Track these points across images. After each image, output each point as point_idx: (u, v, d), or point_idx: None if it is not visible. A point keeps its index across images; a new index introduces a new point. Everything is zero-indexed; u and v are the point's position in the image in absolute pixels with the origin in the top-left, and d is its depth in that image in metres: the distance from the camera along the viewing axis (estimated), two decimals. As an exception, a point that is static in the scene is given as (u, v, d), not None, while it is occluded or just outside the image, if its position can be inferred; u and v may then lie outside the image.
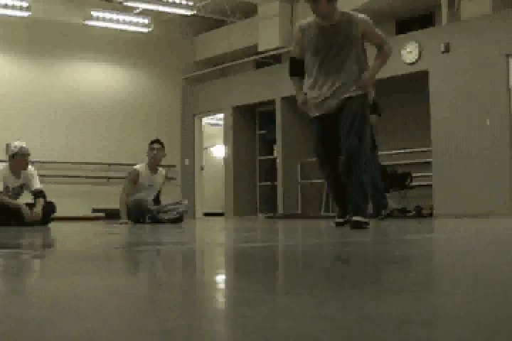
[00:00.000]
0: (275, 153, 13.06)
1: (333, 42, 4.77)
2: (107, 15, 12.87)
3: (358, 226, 4.54)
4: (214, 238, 4.44)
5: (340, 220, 5.13)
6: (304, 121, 10.22)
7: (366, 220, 4.64)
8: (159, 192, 7.93)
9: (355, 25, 4.74)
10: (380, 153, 11.35)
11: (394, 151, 11.42)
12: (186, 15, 13.19)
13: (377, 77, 5.00)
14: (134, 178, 7.66)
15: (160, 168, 7.91)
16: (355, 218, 4.61)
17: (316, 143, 4.97)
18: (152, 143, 7.84)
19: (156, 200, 7.86)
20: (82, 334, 0.89)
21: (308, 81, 4.89)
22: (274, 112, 12.75)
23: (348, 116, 4.69)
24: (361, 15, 4.83)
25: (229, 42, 13.73)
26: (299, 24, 5.02)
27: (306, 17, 11.38)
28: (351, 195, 4.75)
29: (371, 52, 4.93)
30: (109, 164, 13.37)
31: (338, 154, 4.88)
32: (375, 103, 7.66)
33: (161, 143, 7.82)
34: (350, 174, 4.68)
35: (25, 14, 12.01)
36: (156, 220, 7.43)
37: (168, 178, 8.33)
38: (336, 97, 4.77)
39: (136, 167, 7.79)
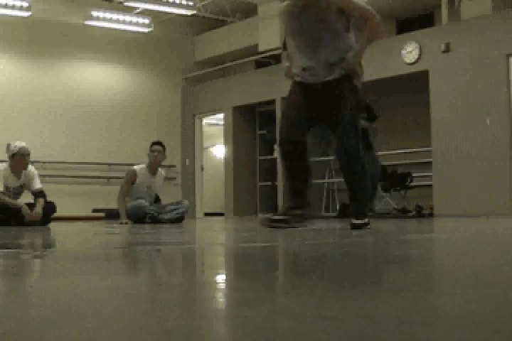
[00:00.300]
0: (275, 153, 13.06)
1: (308, 21, 4.51)
2: (107, 15, 12.87)
3: (358, 228, 4.50)
4: (214, 238, 4.44)
5: (280, 217, 4.61)
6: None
7: (366, 221, 4.59)
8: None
9: (329, 0, 4.44)
10: (380, 153, 11.37)
11: (394, 151, 11.42)
12: (186, 15, 13.19)
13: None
14: (131, 178, 7.66)
15: (159, 169, 7.91)
16: (356, 222, 4.50)
17: (290, 108, 4.78)
18: (153, 144, 7.83)
19: (156, 199, 7.86)
20: (82, 334, 0.89)
21: (294, 65, 4.74)
22: (274, 112, 12.74)
23: (343, 116, 4.52)
24: None
25: (229, 42, 13.73)
26: (282, 4, 4.91)
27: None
28: (352, 197, 4.63)
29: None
30: (109, 164, 13.37)
31: (304, 134, 4.70)
32: (369, 108, 7.63)
33: (163, 145, 7.82)
34: (352, 174, 4.57)
35: (25, 14, 12.01)
36: (156, 220, 7.43)
37: (168, 178, 8.33)
38: (321, 77, 4.61)
39: (135, 167, 7.79)
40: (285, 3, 4.77)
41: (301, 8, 4.54)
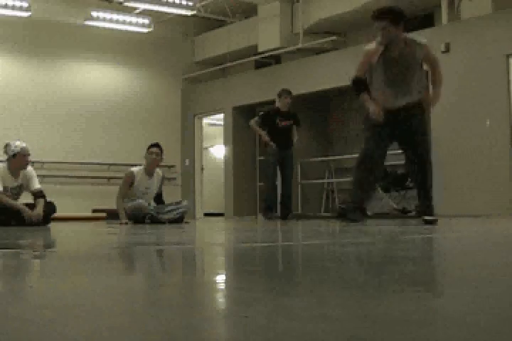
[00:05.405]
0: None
1: (401, 68, 5.64)
2: (107, 15, 12.86)
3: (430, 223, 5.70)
4: (214, 238, 4.44)
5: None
6: (303, 122, 10.22)
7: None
8: (162, 192, 7.93)
9: (419, 51, 5.65)
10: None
11: (394, 151, 11.40)
12: (186, 16, 13.18)
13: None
14: (128, 180, 7.67)
15: (156, 169, 7.90)
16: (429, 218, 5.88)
17: (375, 145, 5.96)
18: (151, 146, 7.82)
19: (160, 200, 7.87)
20: (82, 334, 0.89)
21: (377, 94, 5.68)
22: (274, 112, 12.72)
23: (417, 132, 5.84)
24: (423, 41, 5.72)
25: (229, 42, 13.72)
26: (367, 48, 5.77)
27: (306, 17, 11.38)
28: (426, 197, 6.17)
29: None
30: (109, 164, 13.37)
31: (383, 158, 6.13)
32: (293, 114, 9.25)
33: (160, 148, 7.83)
34: (426, 178, 6.13)
35: (25, 14, 12.00)
36: (155, 221, 7.43)
37: (167, 178, 8.32)
38: (403, 102, 5.69)
39: (133, 169, 7.80)
40: (374, 46, 5.69)
41: (395, 58, 5.66)
